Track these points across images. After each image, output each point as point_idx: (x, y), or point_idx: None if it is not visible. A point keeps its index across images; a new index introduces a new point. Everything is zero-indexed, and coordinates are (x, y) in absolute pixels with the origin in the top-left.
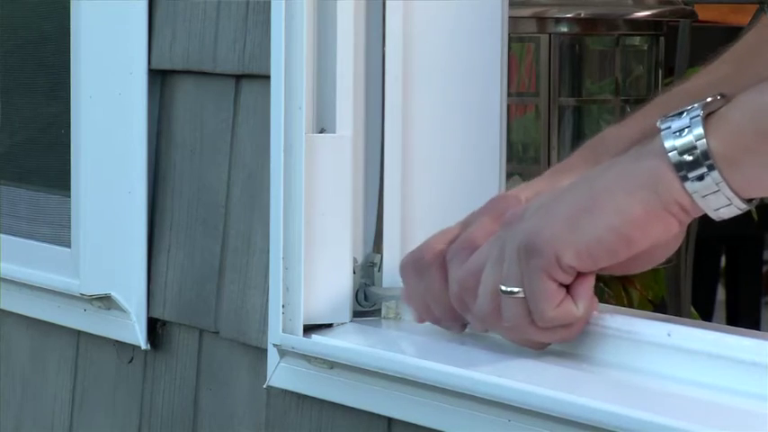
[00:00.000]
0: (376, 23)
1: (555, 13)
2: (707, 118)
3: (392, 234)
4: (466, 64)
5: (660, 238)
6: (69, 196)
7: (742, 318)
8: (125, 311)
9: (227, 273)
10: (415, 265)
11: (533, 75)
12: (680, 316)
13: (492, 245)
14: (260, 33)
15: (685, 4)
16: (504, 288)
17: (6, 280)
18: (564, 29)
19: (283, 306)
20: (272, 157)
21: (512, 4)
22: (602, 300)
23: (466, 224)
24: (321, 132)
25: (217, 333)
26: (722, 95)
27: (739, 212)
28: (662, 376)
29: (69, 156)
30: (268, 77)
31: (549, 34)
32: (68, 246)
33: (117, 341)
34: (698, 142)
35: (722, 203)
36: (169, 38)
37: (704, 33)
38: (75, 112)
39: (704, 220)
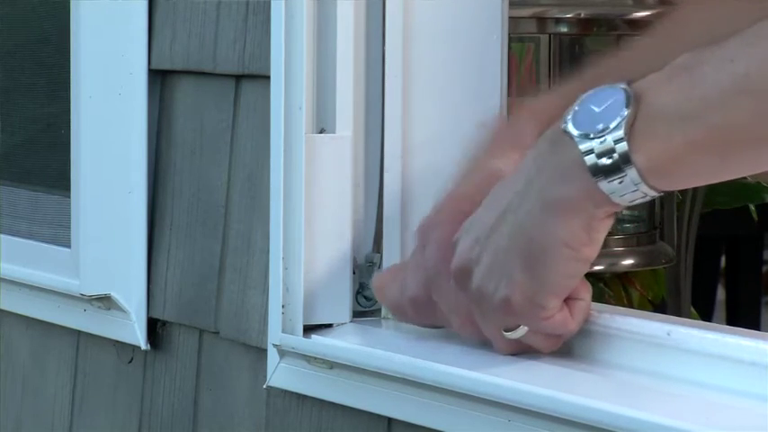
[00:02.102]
0: (376, 23)
1: (555, 13)
2: (630, 130)
3: (392, 234)
4: (466, 63)
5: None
6: (69, 196)
7: (742, 317)
8: (125, 311)
9: (227, 273)
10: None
11: (533, 75)
12: (680, 316)
13: (458, 297)
14: (260, 33)
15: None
16: (509, 334)
17: (6, 280)
18: (564, 29)
19: (283, 306)
20: (272, 158)
21: (512, 4)
22: (602, 300)
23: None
24: (321, 132)
25: (217, 333)
26: (629, 84)
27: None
28: (662, 376)
29: (69, 156)
30: (268, 77)
31: (549, 34)
32: (68, 246)
33: (117, 341)
34: (622, 162)
35: (637, 197)
36: (169, 38)
37: None
38: (75, 112)
39: (704, 220)
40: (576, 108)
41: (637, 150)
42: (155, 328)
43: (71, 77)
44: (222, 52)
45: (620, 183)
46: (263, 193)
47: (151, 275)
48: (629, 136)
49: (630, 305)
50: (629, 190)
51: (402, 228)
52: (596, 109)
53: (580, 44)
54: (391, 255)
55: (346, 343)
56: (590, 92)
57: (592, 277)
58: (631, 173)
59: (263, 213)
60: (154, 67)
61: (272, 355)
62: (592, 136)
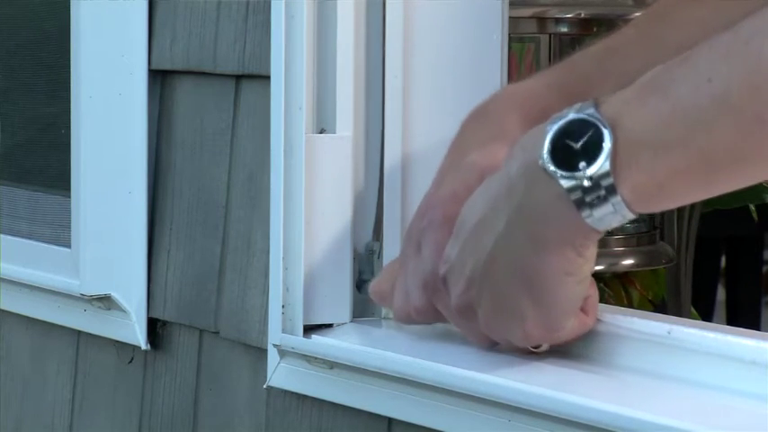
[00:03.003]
0: (376, 23)
1: (555, 13)
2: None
3: (392, 224)
4: (466, 63)
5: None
6: (69, 196)
7: (742, 317)
8: (125, 312)
9: (228, 273)
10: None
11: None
12: (680, 316)
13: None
14: (260, 33)
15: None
16: (536, 350)
17: (6, 280)
18: (564, 29)
19: (283, 306)
20: (273, 158)
21: (512, 5)
22: (602, 300)
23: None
24: (321, 132)
25: (217, 333)
26: (596, 107)
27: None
28: (662, 376)
29: (69, 156)
30: (268, 78)
31: (550, 34)
32: (68, 246)
33: (117, 341)
34: (608, 195)
35: (618, 221)
36: (169, 38)
37: None
38: (76, 113)
39: (704, 220)
40: (550, 141)
41: (621, 183)
42: (155, 328)
43: (71, 77)
44: (222, 52)
45: (606, 214)
46: (263, 193)
47: (151, 275)
48: (614, 170)
49: (630, 305)
50: (615, 220)
51: (402, 222)
52: (575, 145)
53: (580, 44)
54: (391, 245)
55: (346, 343)
56: (559, 122)
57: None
58: (618, 204)
59: (264, 213)
60: (154, 67)
61: (273, 355)
62: (576, 174)
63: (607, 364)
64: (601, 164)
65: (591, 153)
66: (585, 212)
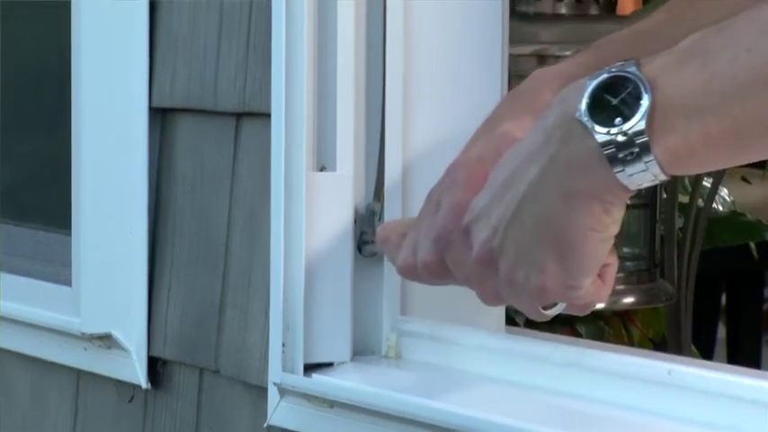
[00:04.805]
0: (376, 61)
1: (555, 51)
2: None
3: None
4: (467, 104)
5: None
6: (70, 234)
7: (743, 355)
8: (125, 350)
9: (228, 311)
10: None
11: None
12: (680, 353)
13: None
14: (260, 71)
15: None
16: (548, 312)
17: (7, 318)
18: None
19: (283, 345)
20: (273, 196)
21: (511, 42)
22: (602, 338)
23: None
24: (322, 170)
25: (217, 371)
26: (638, 66)
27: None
28: (663, 415)
29: (70, 193)
30: (268, 115)
31: None
32: (69, 284)
33: (117, 380)
34: (642, 154)
35: (648, 180)
36: (170, 76)
37: None
38: (76, 150)
39: (704, 257)
40: (589, 95)
41: (655, 143)
42: (155, 366)
43: (72, 115)
44: (223, 90)
45: (638, 173)
46: (263, 230)
47: (152, 313)
48: (649, 130)
49: (631, 343)
50: (646, 180)
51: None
52: (613, 100)
53: None
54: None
55: (347, 382)
56: (600, 77)
57: (592, 315)
58: (650, 164)
59: (264, 251)
60: (155, 104)
61: (273, 393)
62: (612, 130)
63: (608, 403)
64: (636, 121)
65: (628, 110)
66: (618, 168)
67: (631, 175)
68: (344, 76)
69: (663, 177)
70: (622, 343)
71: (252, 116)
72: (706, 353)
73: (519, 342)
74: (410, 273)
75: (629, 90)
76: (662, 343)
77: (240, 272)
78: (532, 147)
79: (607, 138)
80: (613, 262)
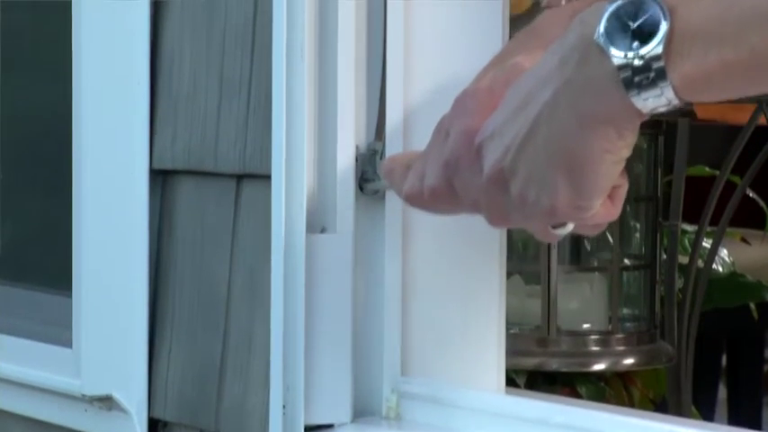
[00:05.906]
0: (372, 116)
1: None
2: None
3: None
4: None
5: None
6: (68, 295)
7: (743, 416)
8: (126, 412)
9: (228, 372)
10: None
11: None
12: (681, 414)
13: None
14: (260, 133)
15: (685, 104)
16: (557, 231)
17: (6, 380)
18: None
19: (284, 406)
20: (273, 257)
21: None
22: (603, 399)
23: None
24: (322, 232)
25: None
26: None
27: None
28: None
29: (71, 255)
30: (269, 177)
31: None
32: (69, 346)
33: None
34: (658, 79)
35: (662, 105)
36: (170, 138)
37: (704, 132)
38: (77, 211)
39: (704, 318)
40: (608, 18)
41: (672, 69)
42: (156, 428)
43: (73, 176)
44: (223, 152)
45: (653, 98)
46: (264, 290)
47: (152, 375)
48: (666, 55)
49: (632, 404)
50: (661, 104)
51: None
52: (631, 24)
53: None
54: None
55: None
56: (620, 0)
57: (593, 377)
58: (666, 89)
59: (265, 310)
60: (155, 166)
61: None
62: (629, 53)
63: None
64: (654, 46)
65: (646, 34)
66: (633, 92)
67: (646, 99)
68: (345, 138)
69: (677, 103)
70: (623, 404)
71: (252, 178)
72: (707, 414)
73: (519, 404)
74: (416, 200)
75: (648, 15)
76: (663, 404)
77: (241, 332)
78: (548, 68)
79: (624, 61)
80: (624, 183)
